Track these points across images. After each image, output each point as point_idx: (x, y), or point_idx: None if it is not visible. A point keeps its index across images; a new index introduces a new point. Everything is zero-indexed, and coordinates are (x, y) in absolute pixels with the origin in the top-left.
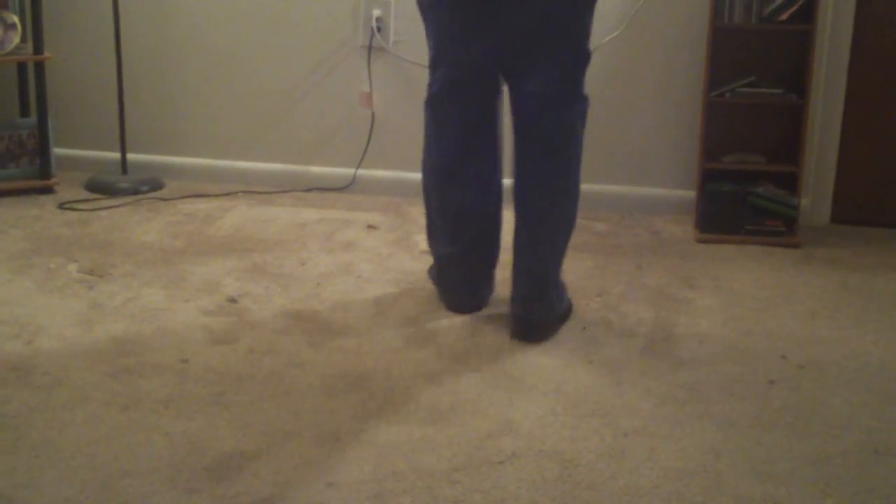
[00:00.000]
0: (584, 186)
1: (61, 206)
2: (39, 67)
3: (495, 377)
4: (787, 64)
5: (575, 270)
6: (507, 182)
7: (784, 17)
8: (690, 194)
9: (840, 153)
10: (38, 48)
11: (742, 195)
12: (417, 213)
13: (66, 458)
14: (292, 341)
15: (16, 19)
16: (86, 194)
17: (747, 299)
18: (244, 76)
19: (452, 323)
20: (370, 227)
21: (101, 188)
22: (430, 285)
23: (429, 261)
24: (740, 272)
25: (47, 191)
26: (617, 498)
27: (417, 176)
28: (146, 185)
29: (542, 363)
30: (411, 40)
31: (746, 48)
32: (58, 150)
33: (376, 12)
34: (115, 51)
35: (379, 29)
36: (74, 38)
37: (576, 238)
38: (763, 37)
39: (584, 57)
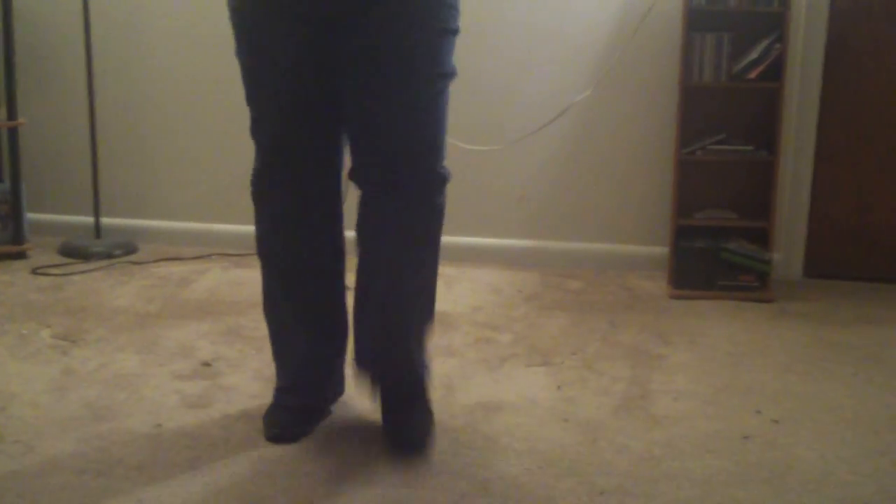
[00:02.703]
0: (559, 244)
1: (34, 272)
2: (13, 133)
3: (470, 437)
4: (757, 121)
5: (549, 328)
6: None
7: (753, 75)
8: (663, 251)
9: (811, 208)
10: (11, 114)
11: (715, 251)
12: None
13: None
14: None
15: None
16: (59, 259)
17: (722, 355)
18: (217, 139)
19: None
20: (346, 288)
21: (75, 253)
22: None
23: None
24: (714, 328)
25: (20, 256)
26: None
27: None
28: (120, 249)
29: (516, 422)
30: None
31: (717, 106)
32: (31, 215)
33: None
34: (89, 116)
35: None
36: (48, 103)
37: (550, 296)
38: (733, 95)
39: None
